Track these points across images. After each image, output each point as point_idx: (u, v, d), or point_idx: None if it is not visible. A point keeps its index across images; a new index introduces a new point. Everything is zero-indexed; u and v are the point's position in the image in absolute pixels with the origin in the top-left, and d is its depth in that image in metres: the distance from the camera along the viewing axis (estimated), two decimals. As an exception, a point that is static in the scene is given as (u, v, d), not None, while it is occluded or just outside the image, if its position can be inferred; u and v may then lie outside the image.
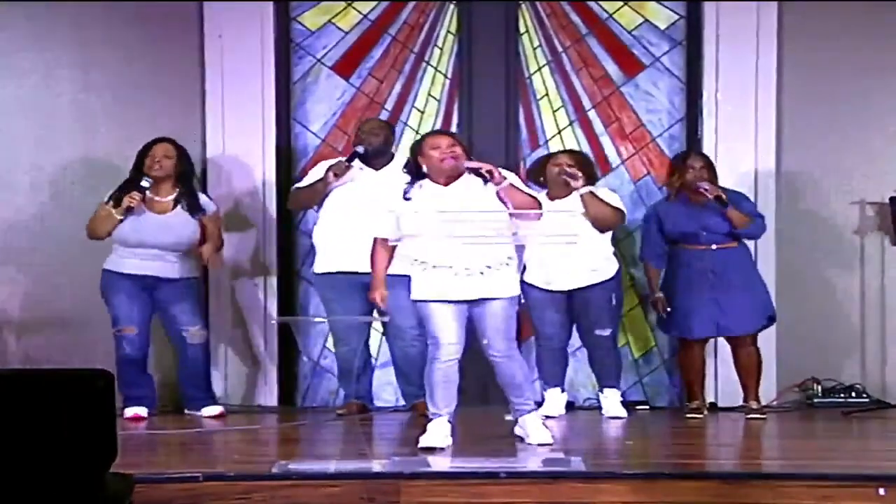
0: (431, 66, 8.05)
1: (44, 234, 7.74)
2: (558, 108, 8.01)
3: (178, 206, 7.20)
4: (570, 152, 7.52)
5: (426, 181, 5.95)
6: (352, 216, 7.08)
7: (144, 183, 7.11)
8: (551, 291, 7.25)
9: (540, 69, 8.03)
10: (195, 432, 6.73)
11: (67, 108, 7.79)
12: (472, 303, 5.85)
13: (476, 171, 5.82)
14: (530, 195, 5.93)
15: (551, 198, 7.24)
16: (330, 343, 7.89)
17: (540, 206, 5.97)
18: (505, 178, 5.85)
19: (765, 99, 7.76)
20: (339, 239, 7.18)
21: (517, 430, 5.99)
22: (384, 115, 7.92)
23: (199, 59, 7.81)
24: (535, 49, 8.03)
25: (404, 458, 5.67)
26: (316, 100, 8.05)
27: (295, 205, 7.57)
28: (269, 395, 7.86)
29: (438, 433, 5.89)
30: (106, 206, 7.17)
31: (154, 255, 7.14)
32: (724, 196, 7.14)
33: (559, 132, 7.99)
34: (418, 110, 8.03)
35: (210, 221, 7.26)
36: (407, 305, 7.09)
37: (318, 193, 7.25)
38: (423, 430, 5.95)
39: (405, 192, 5.95)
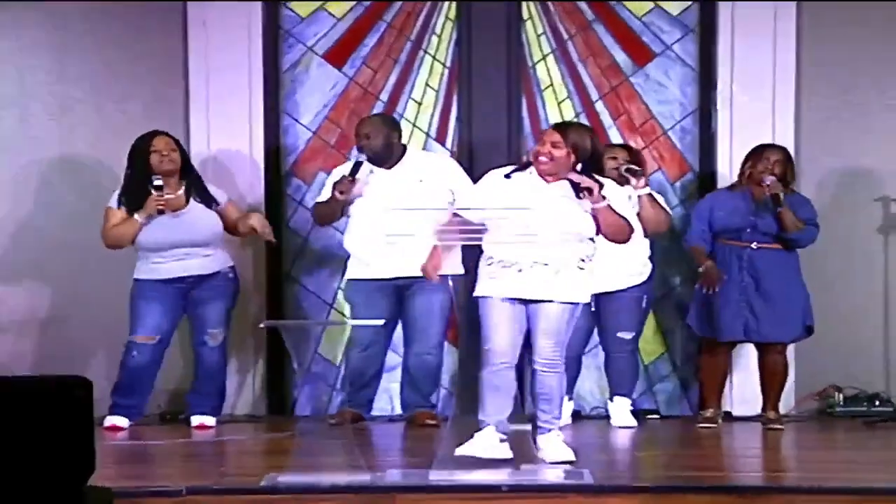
0: (429, 54, 8.05)
1: (19, 232, 7.73)
2: (563, 100, 8.02)
3: (192, 200, 7.21)
4: (626, 147, 7.53)
5: (533, 171, 5.93)
6: (375, 222, 7.14)
7: (158, 182, 7.10)
8: None
9: (544, 58, 8.03)
10: (179, 443, 6.73)
11: (44, 99, 7.80)
12: (532, 303, 5.84)
13: (576, 185, 5.82)
14: (624, 218, 5.92)
15: None
16: (322, 349, 7.90)
17: (632, 230, 5.99)
18: (604, 199, 5.82)
19: (783, 90, 7.77)
20: (366, 245, 7.26)
21: (538, 452, 5.95)
22: (379, 107, 7.93)
23: (182, 48, 7.81)
24: (538, 37, 8.03)
25: (401, 469, 5.68)
26: (307, 91, 8.05)
27: (320, 221, 7.62)
28: (257, 403, 7.86)
29: (484, 443, 5.78)
30: (117, 211, 7.16)
31: (185, 254, 7.16)
32: (781, 195, 7.14)
33: (565, 125, 7.98)
34: (415, 102, 8.03)
35: (230, 208, 7.28)
36: (439, 308, 7.19)
37: (337, 208, 7.32)
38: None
39: (508, 173, 5.94)
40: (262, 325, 7.20)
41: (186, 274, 7.17)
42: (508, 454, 5.74)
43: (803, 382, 7.68)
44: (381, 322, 7.08)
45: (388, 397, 7.79)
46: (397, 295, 7.34)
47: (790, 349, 7.49)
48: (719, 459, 6.59)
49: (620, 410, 7.39)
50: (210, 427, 7.24)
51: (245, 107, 7.82)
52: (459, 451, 5.72)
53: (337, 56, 8.05)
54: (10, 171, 7.78)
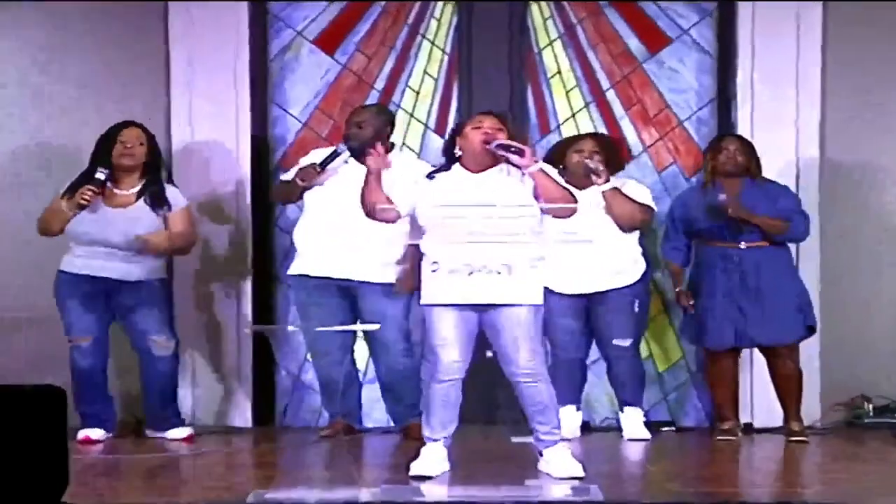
0: (428, 40, 8.05)
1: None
2: (572, 88, 8.01)
3: (141, 200, 7.18)
4: (595, 137, 7.52)
5: (457, 166, 5.95)
6: (334, 216, 7.09)
7: (100, 176, 7.08)
8: (566, 295, 7.25)
9: (551, 43, 8.02)
10: (159, 457, 6.72)
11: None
12: (486, 309, 5.84)
13: (507, 149, 5.81)
14: (564, 187, 5.95)
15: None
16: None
17: (575, 200, 5.98)
18: (536, 161, 5.86)
19: (808, 79, 7.75)
20: (318, 240, 7.20)
21: (541, 466, 5.93)
22: (374, 96, 7.92)
23: (164, 33, 7.80)
24: (545, 20, 8.02)
25: (396, 485, 5.66)
26: (296, 79, 8.04)
27: (275, 198, 7.68)
28: (243, 414, 7.85)
29: (432, 459, 5.88)
30: (61, 198, 7.16)
31: (111, 254, 7.12)
32: (747, 214, 7.10)
33: (573, 115, 7.98)
34: (413, 90, 8.02)
35: (177, 217, 7.21)
36: (395, 316, 7.13)
37: (295, 191, 7.29)
38: (417, 455, 5.94)
39: (430, 174, 5.97)
40: (247, 331, 7.21)
41: (101, 274, 7.11)
42: (447, 467, 5.87)
43: (830, 391, 7.66)
44: (376, 326, 7.07)
45: (384, 407, 7.78)
46: (343, 296, 7.27)
47: (815, 356, 7.49)
48: (737, 474, 6.59)
49: (633, 422, 7.38)
50: (192, 439, 7.22)
51: (231, 96, 7.81)
52: (413, 471, 5.82)
53: (328, 41, 8.04)
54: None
